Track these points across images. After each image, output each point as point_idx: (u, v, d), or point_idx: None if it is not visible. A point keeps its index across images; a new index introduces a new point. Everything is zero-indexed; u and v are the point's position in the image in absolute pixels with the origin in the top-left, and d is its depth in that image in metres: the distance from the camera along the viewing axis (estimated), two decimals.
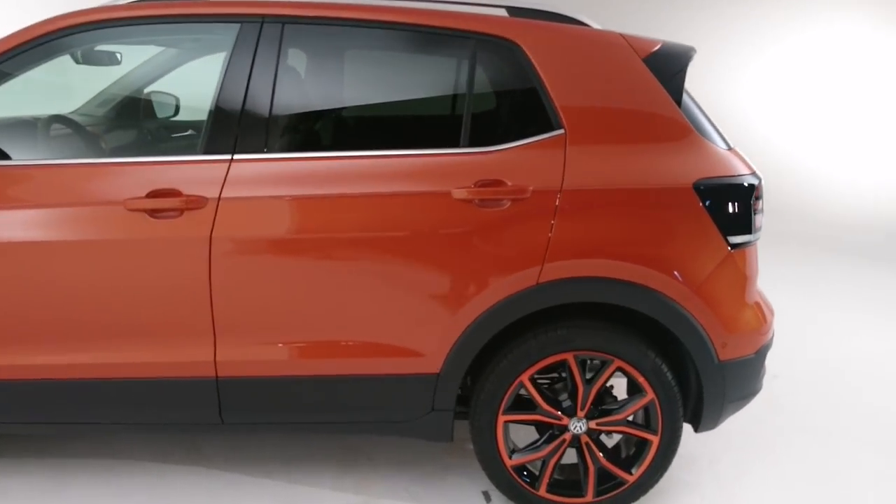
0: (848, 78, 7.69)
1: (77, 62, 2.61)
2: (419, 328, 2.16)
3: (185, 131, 2.35)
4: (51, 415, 2.25)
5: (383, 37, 2.21)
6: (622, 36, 2.25)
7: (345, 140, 2.20)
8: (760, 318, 2.32)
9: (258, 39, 2.12)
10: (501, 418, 2.27)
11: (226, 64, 2.13)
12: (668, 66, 2.25)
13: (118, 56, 2.65)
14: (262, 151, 2.10)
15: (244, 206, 2.07)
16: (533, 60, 2.16)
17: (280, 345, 2.16)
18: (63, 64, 2.30)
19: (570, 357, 2.22)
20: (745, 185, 2.22)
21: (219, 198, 2.06)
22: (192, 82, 2.41)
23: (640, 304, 2.17)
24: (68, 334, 2.14)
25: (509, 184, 2.10)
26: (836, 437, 2.97)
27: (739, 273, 2.24)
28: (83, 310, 2.12)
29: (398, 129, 2.25)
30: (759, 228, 2.26)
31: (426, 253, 2.11)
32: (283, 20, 2.13)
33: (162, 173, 2.08)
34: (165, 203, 2.04)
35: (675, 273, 2.15)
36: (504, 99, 2.24)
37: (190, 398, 2.20)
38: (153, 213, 2.05)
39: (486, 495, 2.50)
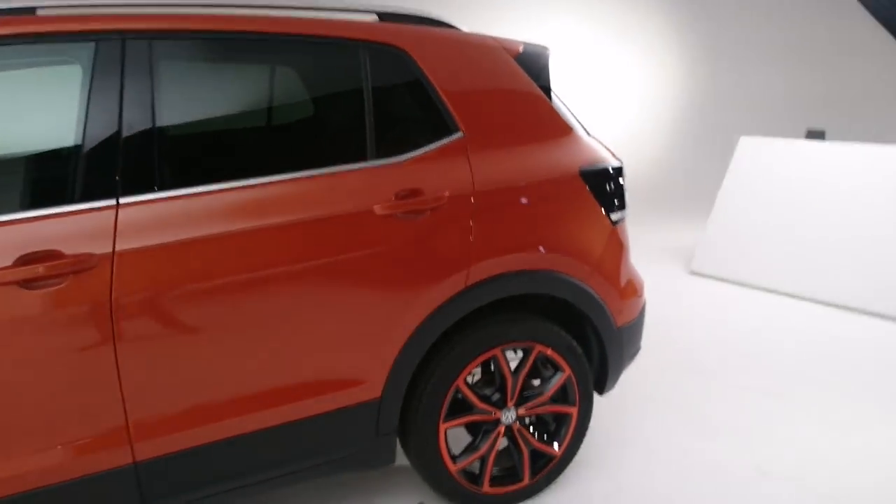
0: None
1: None
2: (358, 355, 2.05)
3: (40, 176, 1.88)
4: None
5: (271, 49, 2.02)
6: (495, 38, 2.35)
7: (246, 165, 1.96)
8: (638, 284, 2.61)
9: (122, 59, 1.80)
10: (442, 427, 2.25)
11: (85, 90, 1.77)
12: (533, 66, 2.40)
13: None
14: (153, 190, 1.80)
15: (145, 258, 1.75)
16: (421, 66, 2.16)
17: (207, 409, 1.89)
18: None
19: (498, 352, 2.28)
20: (616, 167, 2.47)
21: (113, 252, 1.72)
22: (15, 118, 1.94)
23: (557, 290, 2.30)
24: None
25: (427, 192, 2.08)
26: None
27: (621, 246, 2.49)
28: None
29: (300, 147, 2.08)
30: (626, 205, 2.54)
31: (355, 276, 2.00)
32: (151, 35, 1.83)
33: (32, 231, 1.67)
34: (45, 269, 1.65)
35: (579, 255, 2.33)
36: (399, 107, 2.19)
37: (104, 494, 1.82)
38: (26, 283, 1.64)
39: None
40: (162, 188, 1.81)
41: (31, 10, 1.78)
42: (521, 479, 2.43)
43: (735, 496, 2.48)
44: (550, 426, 2.50)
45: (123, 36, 1.81)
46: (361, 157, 2.06)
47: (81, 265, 1.68)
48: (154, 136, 1.81)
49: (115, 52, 1.80)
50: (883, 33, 6.43)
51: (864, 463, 2.69)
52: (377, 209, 2.01)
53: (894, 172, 4.78)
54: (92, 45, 1.79)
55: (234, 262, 1.85)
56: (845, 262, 4.74)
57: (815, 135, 5.79)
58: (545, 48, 2.48)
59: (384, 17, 2.23)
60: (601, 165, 2.42)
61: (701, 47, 6.60)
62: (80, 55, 1.81)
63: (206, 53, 1.94)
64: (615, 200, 2.45)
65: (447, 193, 2.11)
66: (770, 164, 5.47)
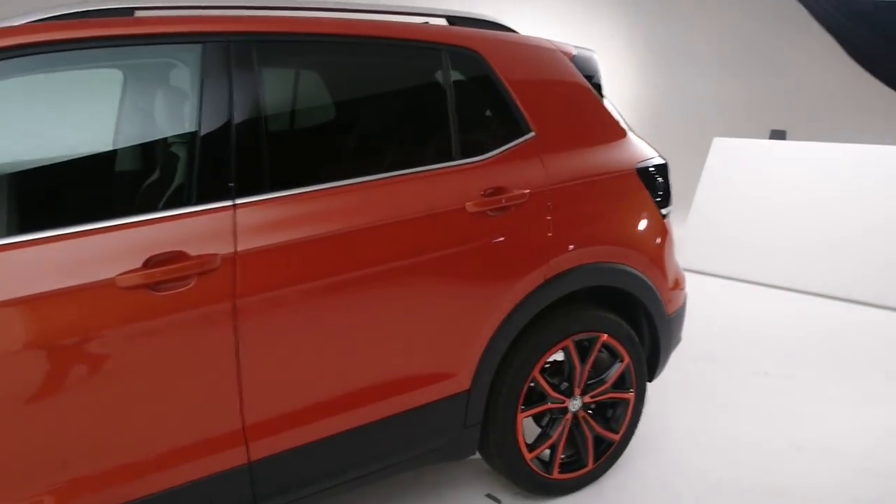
0: None
1: None
2: (451, 348, 2.11)
3: (156, 179, 1.85)
4: None
5: (365, 52, 2.06)
6: (552, 41, 2.45)
7: (346, 166, 1.99)
8: (681, 277, 2.76)
9: (229, 62, 1.80)
10: (520, 416, 2.33)
11: (195, 92, 1.77)
12: (584, 69, 2.52)
13: None
14: (267, 191, 1.81)
15: (263, 258, 1.76)
16: (494, 68, 2.24)
17: (318, 406, 1.91)
18: None
19: (570, 343, 2.38)
20: (663, 164, 2.62)
21: (234, 254, 1.72)
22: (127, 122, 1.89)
23: (623, 281, 2.42)
24: (50, 474, 1.59)
25: (513, 189, 2.16)
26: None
27: (670, 239, 2.63)
28: (75, 438, 1.60)
29: (394, 147, 2.12)
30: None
31: (452, 272, 2.06)
32: (254, 38, 1.85)
33: (157, 233, 1.66)
34: (173, 271, 1.64)
35: (639, 247, 2.46)
36: (477, 108, 2.26)
37: (220, 495, 1.82)
38: (156, 285, 1.63)
39: (493, 497, 2.53)
40: (272, 189, 1.83)
41: (129, 12, 1.77)
42: (585, 465, 2.53)
43: (779, 472, 2.65)
44: (608, 412, 2.62)
45: (228, 38, 1.81)
46: (447, 157, 2.13)
47: (206, 266, 1.68)
48: (262, 138, 1.83)
49: (222, 54, 1.80)
50: (829, 40, 6.91)
51: (886, 438, 2.92)
52: (469, 206, 2.08)
53: (853, 168, 5.15)
54: (199, 47, 1.79)
55: (342, 261, 1.88)
56: (821, 252, 5.06)
57: (778, 135, 6.16)
58: (593, 51, 2.60)
59: (453, 20, 2.30)
60: (653, 162, 2.56)
61: (672, 54, 6.91)
62: (187, 57, 1.81)
63: (304, 56, 1.97)
64: (664, 195, 2.59)
65: (527, 191, 2.19)
66: (742, 162, 5.79)
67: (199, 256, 1.68)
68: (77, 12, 1.70)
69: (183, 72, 1.83)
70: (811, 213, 5.23)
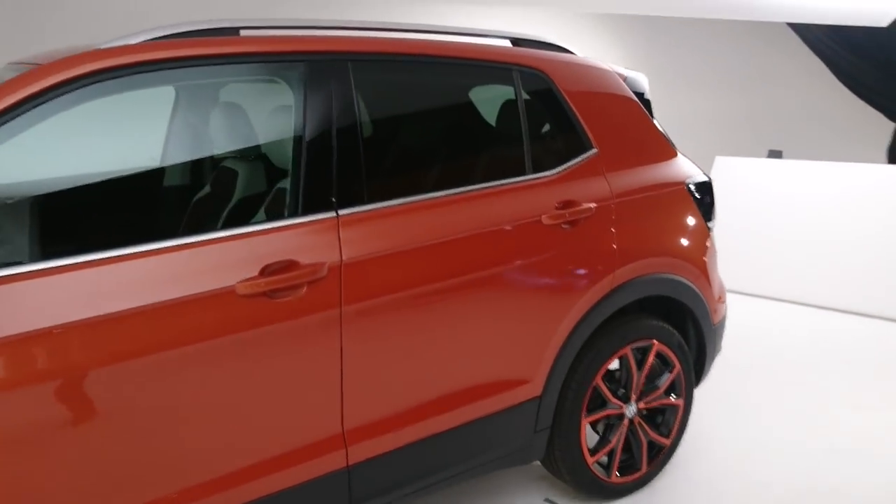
0: None
1: None
2: (528, 354, 2.20)
3: (265, 191, 1.91)
4: None
5: (449, 71, 2.16)
6: (607, 64, 2.58)
7: (433, 180, 2.07)
8: (723, 289, 2.88)
9: (328, 80, 1.89)
10: (584, 421, 2.42)
11: (300, 109, 1.85)
12: (635, 90, 2.65)
13: None
14: (367, 202, 1.89)
15: (364, 267, 1.84)
16: (559, 87, 2.35)
17: (411, 410, 1.98)
18: None
19: (628, 350, 2.48)
20: (707, 180, 2.75)
21: (340, 263, 1.80)
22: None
23: (677, 291, 2.53)
24: (173, 472, 1.64)
25: (581, 203, 2.27)
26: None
27: (714, 252, 2.76)
28: (196, 436, 1.65)
29: (476, 161, 2.21)
30: None
31: (530, 281, 2.16)
32: (349, 57, 1.94)
33: (273, 244, 1.73)
34: (287, 280, 1.71)
35: (691, 259, 2.58)
36: (545, 124, 2.37)
37: (317, 501, 1.87)
38: (271, 295, 1.70)
39: (551, 502, 2.61)
40: (369, 202, 1.91)
41: (234, 31, 1.85)
42: (639, 468, 2.62)
43: (819, 473, 2.77)
44: (659, 418, 2.71)
45: (328, 57, 1.90)
46: (521, 171, 2.23)
47: (316, 274, 1.76)
48: (359, 153, 1.91)
49: (322, 72, 1.89)
50: (820, 65, 7.21)
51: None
52: (545, 219, 2.18)
53: (848, 185, 5.37)
54: (301, 66, 1.87)
55: (435, 270, 1.97)
56: (822, 266, 5.25)
57: (775, 154, 6.39)
58: (643, 76, 2.73)
59: (517, 42, 2.41)
60: (699, 179, 2.69)
61: (674, 77, 7.13)
62: (289, 75, 1.90)
63: (394, 74, 2.06)
64: (709, 210, 2.72)
65: (594, 204, 2.30)
66: (744, 179, 5.98)
67: (310, 265, 1.75)
68: (188, 31, 1.78)
69: (285, 89, 1.91)
70: (811, 228, 5.43)
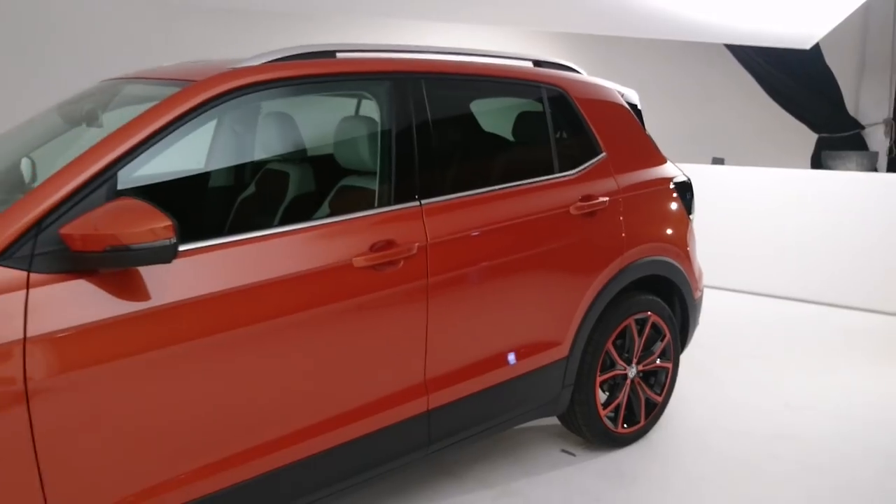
0: None
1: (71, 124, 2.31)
2: (559, 321, 2.66)
3: (365, 183, 2.29)
4: None
5: (494, 88, 2.61)
6: (608, 82, 3.09)
7: (484, 177, 2.51)
8: (700, 269, 3.43)
9: (407, 94, 2.31)
10: (598, 379, 2.90)
11: (388, 118, 2.26)
12: (630, 104, 3.17)
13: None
14: (441, 194, 2.32)
15: (447, 248, 2.27)
16: (576, 102, 2.84)
17: (474, 365, 2.41)
18: None
19: (631, 321, 2.97)
20: (688, 180, 3.29)
21: (426, 243, 2.22)
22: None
23: (668, 271, 3.04)
24: (301, 414, 2.02)
25: (598, 197, 2.75)
26: None
27: (694, 239, 3.30)
28: (314, 384, 2.04)
29: (517, 162, 2.67)
30: None
31: (562, 262, 2.63)
32: (422, 76, 2.36)
33: (374, 226, 2.14)
34: (390, 255, 2.12)
35: (678, 244, 3.10)
36: (566, 132, 2.85)
37: (405, 439, 2.27)
38: (377, 268, 2.10)
39: (567, 451, 3.07)
40: (441, 194, 2.34)
41: (331, 54, 2.25)
42: (638, 421, 3.12)
43: (778, 424, 3.34)
44: (652, 380, 3.22)
45: (409, 76, 2.33)
46: (551, 171, 2.70)
47: (409, 252, 2.17)
48: (432, 154, 2.34)
49: (404, 88, 2.31)
50: (754, 83, 8.01)
51: (851, 394, 3.68)
52: (572, 210, 2.65)
53: (782, 188, 6.10)
54: (388, 83, 2.29)
55: (492, 250, 2.41)
56: (761, 258, 5.94)
57: (718, 161, 7.10)
58: (634, 92, 3.25)
59: (538, 63, 2.89)
60: (682, 179, 3.23)
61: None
62: (375, 91, 2.31)
63: (456, 90, 2.50)
64: (690, 204, 3.26)
65: (607, 199, 2.79)
66: (694, 185, 6.64)
67: (405, 244, 2.16)
68: (295, 55, 2.17)
69: (373, 102, 2.32)
70: (751, 225, 6.12)
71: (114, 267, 1.64)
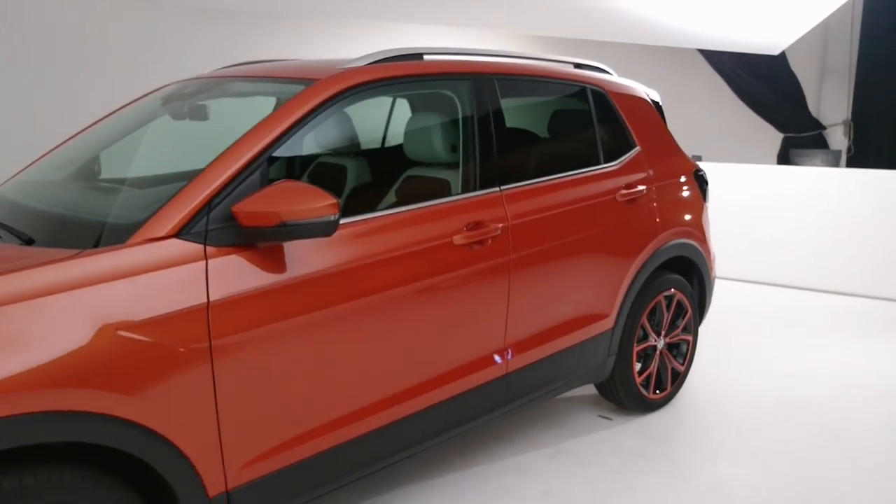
0: None
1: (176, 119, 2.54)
2: (607, 295, 2.98)
3: (447, 171, 2.55)
4: (361, 467, 2.28)
5: (550, 88, 2.91)
6: (636, 83, 3.43)
7: (544, 167, 2.81)
8: (713, 251, 3.80)
9: (483, 92, 2.60)
10: (635, 350, 3.23)
11: (470, 113, 2.55)
12: (654, 102, 3.52)
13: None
14: (515, 181, 2.61)
15: (523, 229, 2.56)
16: (614, 101, 3.17)
17: (542, 333, 2.71)
18: None
19: (661, 297, 3.32)
20: (703, 171, 3.66)
21: (507, 224, 2.51)
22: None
23: (691, 252, 3.40)
24: (415, 372, 2.29)
25: (637, 186, 3.09)
26: None
27: (709, 224, 3.67)
28: (425, 347, 2.31)
29: (569, 154, 2.98)
30: None
31: (611, 241, 2.96)
32: (496, 79, 2.66)
33: (467, 209, 2.42)
34: (484, 234, 2.40)
35: (698, 227, 3.46)
36: (607, 127, 3.17)
37: (490, 398, 2.56)
38: (471, 246, 2.39)
39: (604, 416, 3.40)
40: (514, 181, 2.63)
41: (419, 56, 2.53)
42: (665, 388, 3.47)
43: (781, 388, 3.73)
44: (675, 351, 3.57)
45: (485, 77, 2.62)
46: (598, 162, 3.02)
47: (495, 231, 2.46)
48: (506, 145, 2.63)
49: (481, 87, 2.60)
50: (725, 86, 8.54)
51: (835, 364, 4.11)
52: (617, 197, 2.98)
53: (764, 183, 6.59)
54: (468, 83, 2.58)
55: (556, 232, 2.72)
56: (741, 247, 6.41)
57: (697, 157, 7.56)
58: (656, 92, 3.61)
59: (578, 65, 3.21)
60: (700, 171, 3.60)
61: None
62: (457, 89, 2.59)
63: (522, 88, 2.80)
64: (706, 192, 3.63)
65: (644, 187, 3.13)
66: None
67: (492, 224, 2.45)
68: (390, 57, 2.43)
69: (454, 100, 2.59)
70: (729, 217, 6.60)
71: (282, 240, 1.88)
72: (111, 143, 2.61)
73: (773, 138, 8.55)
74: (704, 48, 8.05)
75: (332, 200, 1.87)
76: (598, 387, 3.36)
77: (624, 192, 3.03)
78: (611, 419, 3.39)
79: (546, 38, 8.35)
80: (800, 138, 8.30)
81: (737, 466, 2.96)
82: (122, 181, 2.41)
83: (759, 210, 6.42)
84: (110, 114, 2.75)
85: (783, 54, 7.70)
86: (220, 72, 2.77)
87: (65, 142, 2.71)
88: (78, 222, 1.99)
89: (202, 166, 1.98)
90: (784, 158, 8.28)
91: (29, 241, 1.89)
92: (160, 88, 2.81)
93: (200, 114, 2.55)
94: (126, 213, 1.98)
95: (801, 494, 2.75)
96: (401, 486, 2.76)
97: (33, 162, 2.67)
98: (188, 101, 2.58)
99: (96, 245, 1.76)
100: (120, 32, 5.19)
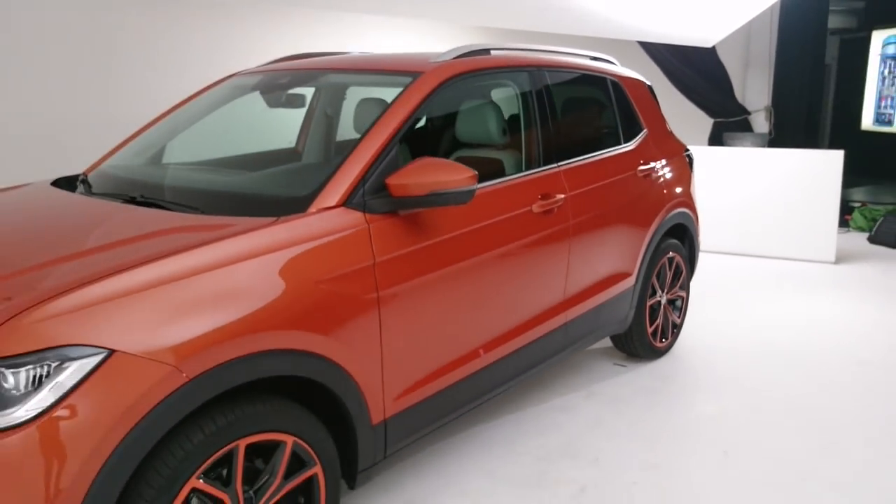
0: None
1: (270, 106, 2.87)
2: (632, 256, 3.49)
3: (516, 151, 2.94)
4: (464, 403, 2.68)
5: (582, 80, 3.37)
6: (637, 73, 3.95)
7: (584, 146, 3.26)
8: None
9: (540, 82, 3.03)
10: (648, 303, 3.76)
11: (530, 99, 2.97)
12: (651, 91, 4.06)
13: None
14: (566, 158, 3.06)
15: (578, 199, 3.02)
16: (626, 90, 3.68)
17: (590, 287, 3.18)
18: None
19: (665, 259, 3.86)
20: (690, 151, 4.23)
21: (568, 195, 2.96)
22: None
23: (686, 220, 3.96)
24: (501, 323, 2.70)
25: (650, 163, 3.61)
26: None
27: (695, 196, 4.25)
28: (513, 300, 2.73)
29: (597, 136, 3.45)
30: None
31: (634, 211, 3.47)
32: (546, 71, 3.09)
33: (537, 183, 2.85)
34: (552, 204, 2.84)
35: (690, 199, 4.04)
36: (622, 113, 3.66)
37: (555, 343, 3.01)
38: (545, 213, 2.82)
39: (620, 364, 3.92)
40: (565, 159, 3.08)
41: (486, 51, 2.93)
42: (667, 338, 4.03)
43: (755, 338, 4.38)
44: (672, 305, 4.13)
45: (538, 69, 3.05)
46: (618, 143, 3.52)
47: (559, 202, 2.91)
48: (559, 127, 3.08)
49: (538, 78, 3.03)
50: (661, 75, 9.28)
51: (788, 313, 4.83)
52: (637, 172, 3.49)
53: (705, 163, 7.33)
54: (526, 74, 3.00)
55: (597, 203, 3.19)
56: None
57: None
58: (649, 81, 4.14)
59: (594, 58, 3.69)
60: (689, 150, 4.17)
61: None
62: (517, 80, 3.01)
63: (564, 79, 3.24)
64: (692, 169, 4.21)
65: (653, 164, 3.66)
66: None
67: (557, 196, 2.89)
68: (466, 52, 2.82)
69: (514, 89, 3.01)
70: None
71: (427, 207, 2.25)
72: (204, 128, 2.88)
73: (705, 123, 9.38)
74: (644, 40, 8.75)
75: (472, 173, 2.25)
76: (613, 339, 3.87)
77: (641, 168, 3.54)
78: (625, 366, 3.92)
79: (486, 30, 8.81)
80: (728, 123, 9.17)
81: (732, 396, 3.55)
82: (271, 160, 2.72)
83: (705, 186, 7.16)
84: (182, 103, 3.00)
85: (713, 47, 8.50)
86: (296, 64, 3.05)
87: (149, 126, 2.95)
88: (259, 196, 2.30)
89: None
90: (715, 141, 9.13)
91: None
92: (225, 79, 3.08)
93: (297, 102, 2.85)
94: (296, 187, 2.29)
95: (786, 412, 3.38)
96: (465, 429, 3.17)
97: (122, 144, 2.89)
98: (284, 90, 2.87)
99: (283, 214, 2.08)
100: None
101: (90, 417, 1.54)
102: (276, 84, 2.92)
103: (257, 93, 2.98)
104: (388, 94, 2.53)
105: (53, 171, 2.91)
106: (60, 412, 1.52)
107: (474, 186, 2.26)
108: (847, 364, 3.98)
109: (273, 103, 2.89)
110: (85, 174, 2.75)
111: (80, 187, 2.60)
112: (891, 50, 9.61)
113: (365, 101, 2.66)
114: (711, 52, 8.66)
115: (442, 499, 2.65)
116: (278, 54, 3.28)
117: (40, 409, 1.50)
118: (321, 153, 3.21)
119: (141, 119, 3.08)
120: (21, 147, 4.64)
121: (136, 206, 2.24)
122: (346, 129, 2.95)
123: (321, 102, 3.20)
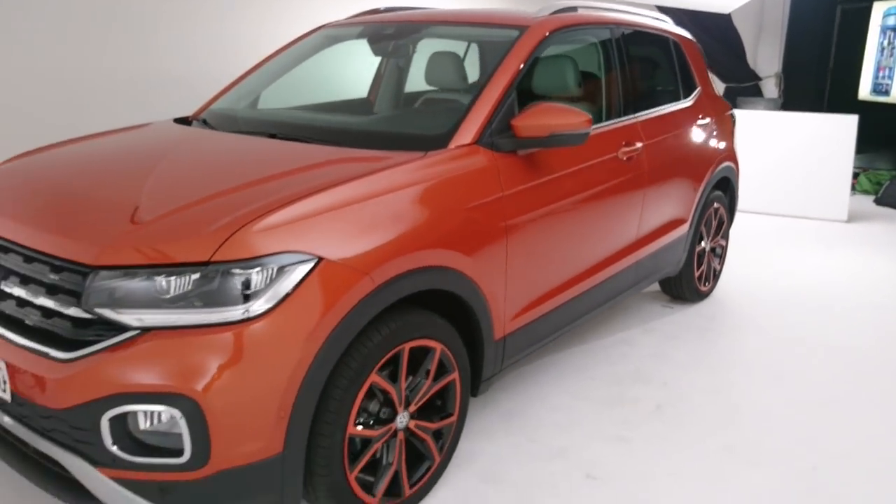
0: None
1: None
2: (687, 205, 3.79)
3: (601, 101, 3.20)
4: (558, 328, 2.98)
5: (646, 39, 3.63)
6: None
7: (654, 100, 3.52)
8: None
9: (618, 39, 3.28)
10: (697, 249, 4.07)
11: (612, 54, 3.22)
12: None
13: None
14: (641, 110, 3.33)
15: (652, 148, 3.29)
16: (683, 49, 3.94)
17: (655, 231, 3.48)
18: None
19: (712, 209, 4.16)
20: (733, 109, 4.51)
21: (644, 144, 3.23)
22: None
23: (732, 173, 4.26)
24: (595, 255, 3.00)
25: (707, 119, 3.89)
26: None
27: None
28: (605, 234, 3.04)
29: (661, 92, 3.72)
30: None
31: (693, 161, 3.75)
32: (623, 28, 3.34)
33: (621, 132, 3.12)
34: (633, 151, 3.12)
35: (734, 153, 4.33)
36: (681, 71, 3.91)
37: (629, 277, 3.32)
38: (627, 160, 3.10)
39: (668, 306, 4.24)
40: (640, 111, 3.35)
41: (573, 9, 3.17)
42: (710, 282, 4.36)
43: (785, 282, 4.73)
44: (713, 252, 4.44)
45: (615, 28, 3.30)
46: (678, 98, 3.79)
47: (639, 149, 3.18)
48: (635, 82, 3.34)
49: (616, 35, 3.28)
50: None
51: (808, 264, 5.18)
52: (696, 126, 3.77)
53: None
54: (608, 31, 3.25)
55: (666, 152, 3.47)
56: None
57: None
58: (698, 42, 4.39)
59: (655, 18, 3.93)
60: (732, 107, 4.45)
61: None
62: (601, 36, 3.26)
63: (636, 38, 3.49)
64: (735, 126, 4.49)
65: (709, 119, 3.94)
66: None
67: (636, 144, 3.17)
68: (565, 8, 3.06)
69: (597, 45, 3.25)
70: None
71: (547, 147, 2.51)
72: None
73: (717, 87, 9.67)
74: (665, 6, 8.96)
75: (588, 116, 2.51)
76: (661, 283, 4.19)
77: (699, 122, 3.82)
78: (672, 307, 4.25)
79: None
80: (739, 88, 9.45)
81: (772, 333, 3.91)
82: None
83: None
84: (275, 53, 3.20)
85: (729, 13, 8.74)
86: (402, 15, 3.26)
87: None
88: (405, 134, 2.58)
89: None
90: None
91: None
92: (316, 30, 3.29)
93: (401, 52, 3.08)
94: (434, 126, 2.53)
95: (820, 345, 3.74)
96: (539, 359, 3.48)
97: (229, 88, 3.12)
98: (392, 41, 3.10)
99: (429, 150, 2.33)
100: None
101: (307, 313, 1.81)
102: (382, 35, 3.15)
103: (343, 43, 3.20)
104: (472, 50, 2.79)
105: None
106: (285, 307, 1.78)
107: (589, 129, 2.52)
108: (864, 307, 4.36)
109: (379, 52, 3.11)
110: (195, 116, 2.98)
111: (205, 126, 2.83)
112: (891, 21, 9.89)
113: (485, 46, 2.90)
114: (727, 18, 8.89)
115: (534, 411, 2.97)
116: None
117: (271, 305, 1.77)
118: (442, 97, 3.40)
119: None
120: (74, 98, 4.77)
121: (285, 141, 2.48)
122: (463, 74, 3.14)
123: (416, 55, 3.43)
